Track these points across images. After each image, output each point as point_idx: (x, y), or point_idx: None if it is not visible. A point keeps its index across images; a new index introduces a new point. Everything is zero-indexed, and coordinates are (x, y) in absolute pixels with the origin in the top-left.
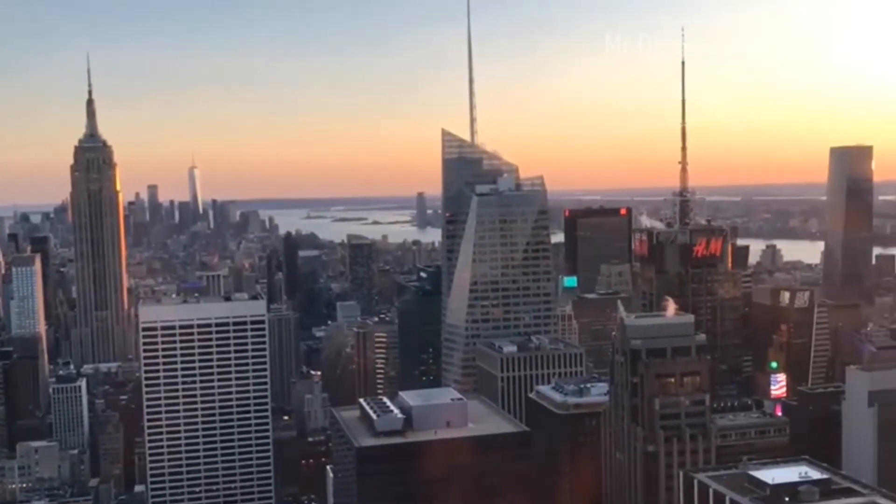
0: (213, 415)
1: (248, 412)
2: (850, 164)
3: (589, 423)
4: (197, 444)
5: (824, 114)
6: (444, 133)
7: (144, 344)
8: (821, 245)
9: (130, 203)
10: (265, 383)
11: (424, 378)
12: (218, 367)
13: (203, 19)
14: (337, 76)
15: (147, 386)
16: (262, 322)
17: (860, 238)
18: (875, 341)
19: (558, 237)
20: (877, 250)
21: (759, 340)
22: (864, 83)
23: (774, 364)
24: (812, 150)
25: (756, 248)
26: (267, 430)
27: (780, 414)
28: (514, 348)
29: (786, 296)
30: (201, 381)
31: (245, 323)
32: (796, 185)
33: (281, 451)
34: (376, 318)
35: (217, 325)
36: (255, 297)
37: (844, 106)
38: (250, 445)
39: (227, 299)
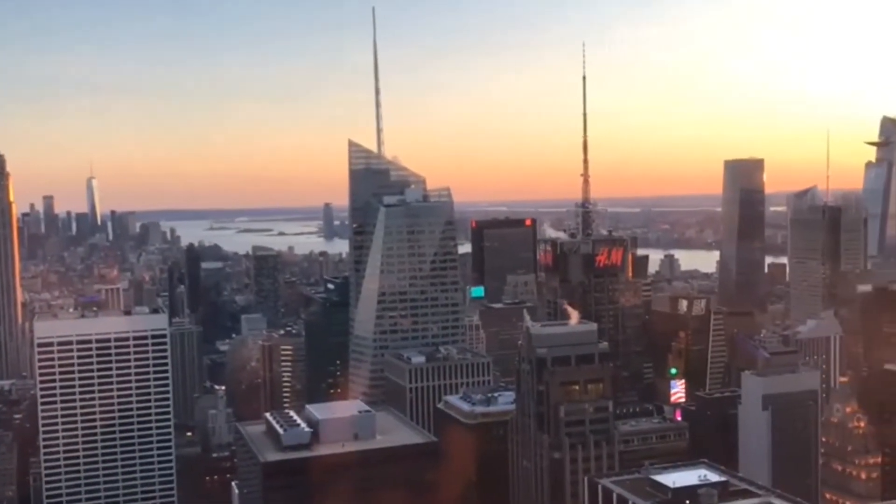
0: (114, 433)
1: (150, 429)
2: (744, 176)
3: (496, 431)
4: (96, 463)
5: (719, 128)
6: (351, 144)
7: (40, 360)
8: (716, 254)
9: (25, 214)
10: (167, 399)
11: (332, 391)
12: (118, 383)
13: (104, 26)
14: (241, 86)
15: (43, 403)
16: (164, 336)
17: (753, 247)
18: (768, 347)
19: (465, 248)
20: (769, 259)
21: (659, 347)
22: (756, 99)
23: (674, 370)
24: (707, 163)
25: (655, 257)
26: (169, 447)
27: (679, 419)
28: (422, 359)
29: (684, 304)
30: (100, 398)
31: (146, 337)
32: (693, 197)
33: (184, 468)
34: (282, 331)
35: (116, 339)
36: (156, 311)
37: (738, 121)
38: (152, 463)
39: (127, 313)
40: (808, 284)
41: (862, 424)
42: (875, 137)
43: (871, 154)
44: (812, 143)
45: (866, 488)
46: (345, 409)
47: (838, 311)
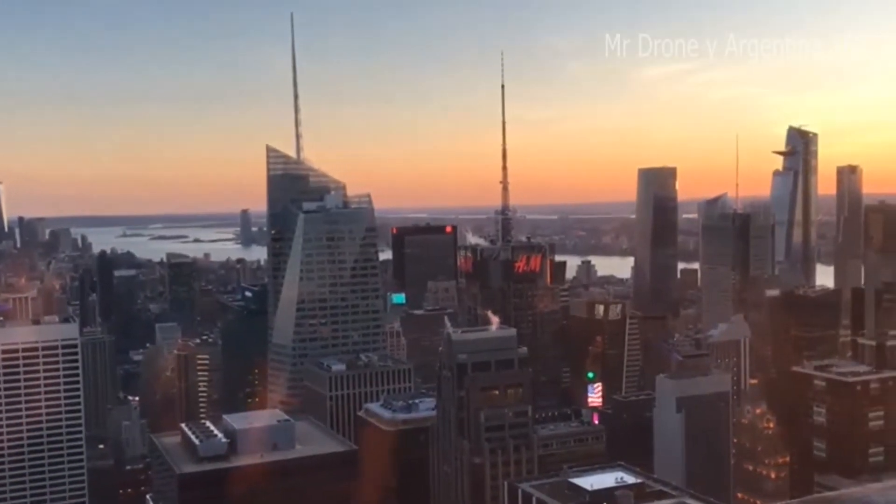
0: (21, 446)
1: (60, 441)
2: (657, 184)
3: (417, 438)
4: (3, 478)
5: (634, 137)
6: (269, 149)
7: None
8: (631, 260)
9: None
10: (78, 410)
11: (250, 400)
12: (26, 394)
13: (7, 30)
14: (155, 90)
15: None
16: (75, 346)
17: (666, 254)
18: (681, 351)
19: (386, 254)
20: (681, 265)
21: (577, 352)
22: (669, 108)
23: (591, 374)
24: (622, 172)
25: (572, 263)
26: (81, 460)
27: (596, 422)
28: (342, 367)
29: (600, 309)
30: (7, 411)
31: (56, 347)
32: (608, 204)
33: (97, 482)
34: (198, 340)
35: (24, 350)
36: (66, 320)
37: (651, 129)
38: (63, 477)
39: (36, 322)
40: (719, 289)
41: (771, 425)
42: (782, 147)
43: (779, 163)
44: (722, 152)
45: (776, 487)
46: (263, 418)
47: (748, 315)
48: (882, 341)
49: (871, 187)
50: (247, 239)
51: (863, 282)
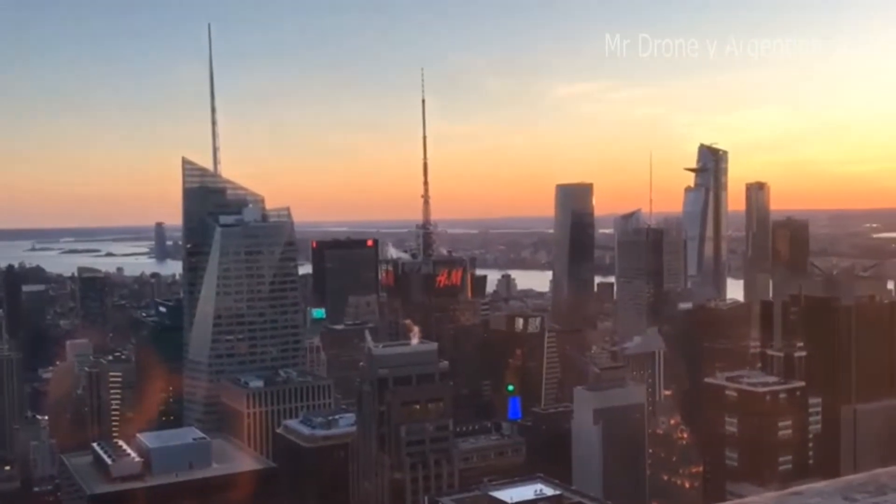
0: None
1: None
2: (574, 199)
3: (337, 454)
4: None
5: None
6: (185, 161)
7: None
8: (549, 274)
9: None
10: None
11: (165, 418)
12: None
13: None
14: (66, 101)
15: None
16: None
17: (583, 268)
18: (598, 363)
19: (306, 269)
20: (598, 279)
21: (497, 365)
22: (584, 126)
23: (511, 387)
24: (541, 187)
25: (493, 277)
26: None
27: (516, 435)
28: (260, 383)
29: (520, 322)
30: None
31: None
32: (527, 219)
33: None
34: (111, 357)
35: None
36: None
37: (568, 146)
38: None
39: None
40: (634, 303)
41: (685, 435)
42: (694, 164)
43: (691, 179)
44: (637, 169)
45: (690, 496)
46: (178, 436)
47: (662, 327)
48: (789, 353)
49: (778, 204)
50: (161, 253)
51: (771, 295)
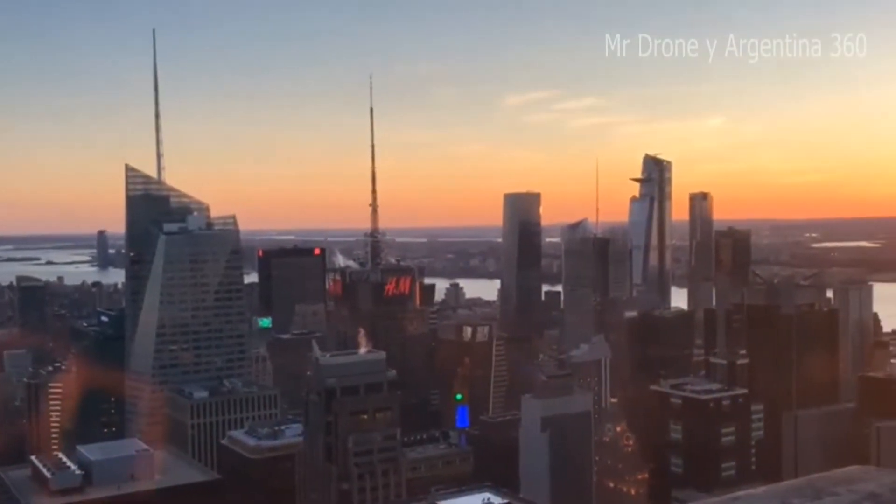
0: None
1: None
2: (522, 209)
3: (284, 465)
4: None
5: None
6: (128, 168)
7: None
8: (497, 283)
9: None
10: None
11: (107, 430)
12: None
13: None
14: (5, 103)
15: None
16: None
17: (531, 276)
18: (545, 371)
19: (252, 277)
20: (545, 287)
21: (445, 373)
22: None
23: (459, 396)
24: (489, 196)
25: (441, 286)
26: None
27: (464, 444)
28: (205, 393)
29: (468, 331)
30: None
31: None
32: (476, 228)
33: None
34: (51, 368)
35: None
36: None
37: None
38: None
39: None
40: (581, 311)
41: (631, 442)
42: (639, 174)
43: (636, 189)
44: (584, 178)
45: (635, 503)
46: (120, 448)
47: (608, 335)
48: (732, 360)
49: (721, 213)
50: (104, 261)
51: (714, 303)
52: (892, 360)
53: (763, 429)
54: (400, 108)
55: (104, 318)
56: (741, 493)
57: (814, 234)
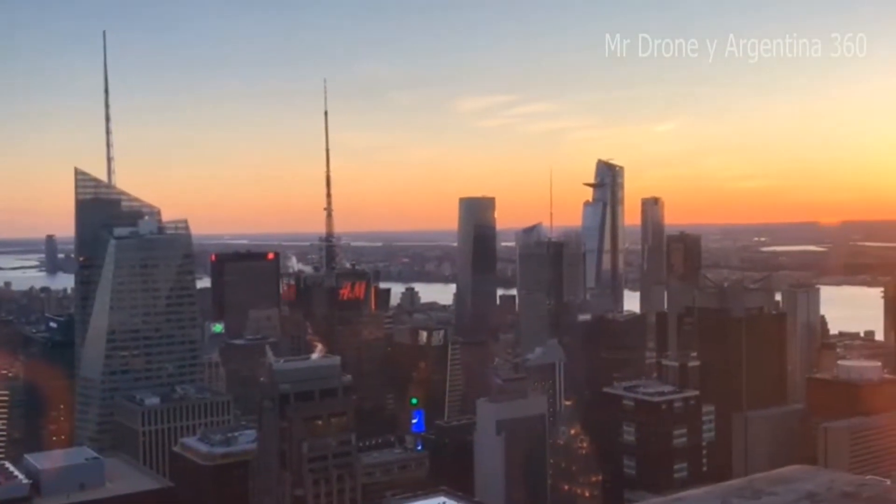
0: None
1: None
2: (477, 213)
3: (237, 472)
4: None
5: (455, 166)
6: (78, 172)
7: None
8: (453, 287)
9: None
10: None
11: (56, 438)
12: None
13: None
14: None
15: None
16: None
17: (486, 280)
18: (501, 374)
19: (205, 282)
20: (500, 291)
21: (401, 378)
22: (487, 140)
23: (414, 400)
24: (444, 201)
25: (396, 290)
26: None
27: (420, 448)
28: (156, 400)
29: (423, 335)
30: None
31: None
32: (431, 232)
33: None
34: None
35: None
36: None
37: (471, 160)
38: None
39: None
40: (536, 314)
41: (585, 445)
42: (592, 179)
43: (589, 194)
44: (538, 183)
45: None
46: (69, 457)
47: (562, 338)
48: (684, 362)
49: (672, 218)
50: (52, 266)
51: (666, 306)
52: (839, 362)
53: (714, 430)
54: (355, 112)
55: (53, 324)
56: (683, 493)
57: (762, 239)
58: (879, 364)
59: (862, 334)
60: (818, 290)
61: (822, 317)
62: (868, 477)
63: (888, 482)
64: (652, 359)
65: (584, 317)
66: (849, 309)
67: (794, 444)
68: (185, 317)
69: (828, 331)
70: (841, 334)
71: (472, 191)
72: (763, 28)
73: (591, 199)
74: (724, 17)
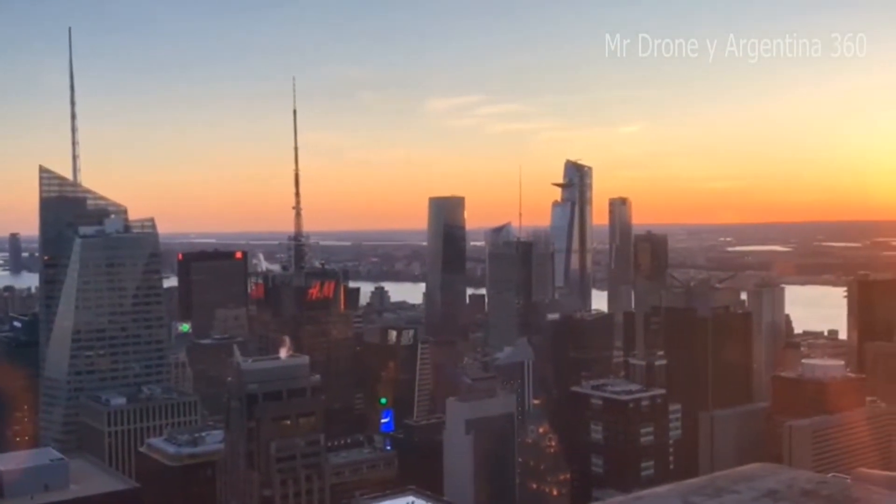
0: None
1: None
2: (446, 212)
3: (204, 473)
4: None
5: (424, 166)
6: (43, 170)
7: None
8: (423, 286)
9: None
10: None
11: (20, 439)
12: None
13: None
14: None
15: None
16: None
17: (456, 280)
18: (470, 374)
19: (171, 281)
20: (470, 291)
21: (370, 377)
22: (456, 140)
23: (384, 400)
24: (413, 200)
25: (366, 289)
26: None
27: (389, 448)
28: (122, 400)
29: (393, 334)
30: None
31: None
32: (401, 232)
33: None
34: None
35: None
36: None
37: (441, 160)
38: None
39: None
40: (505, 314)
41: (553, 444)
42: (561, 179)
43: (558, 194)
44: (507, 183)
45: None
46: (33, 458)
47: (531, 338)
48: (651, 361)
49: (640, 218)
50: (16, 265)
51: (633, 306)
52: (804, 361)
53: (681, 428)
54: (324, 112)
55: (17, 324)
56: (644, 492)
57: (728, 239)
58: (843, 363)
59: (826, 333)
60: (783, 289)
61: (787, 316)
62: (830, 475)
63: (848, 480)
64: (619, 358)
65: (553, 316)
66: (813, 308)
67: (759, 442)
68: (152, 316)
69: (792, 330)
70: (805, 333)
71: (441, 190)
72: (737, 28)
73: (559, 199)
74: (691, 15)
